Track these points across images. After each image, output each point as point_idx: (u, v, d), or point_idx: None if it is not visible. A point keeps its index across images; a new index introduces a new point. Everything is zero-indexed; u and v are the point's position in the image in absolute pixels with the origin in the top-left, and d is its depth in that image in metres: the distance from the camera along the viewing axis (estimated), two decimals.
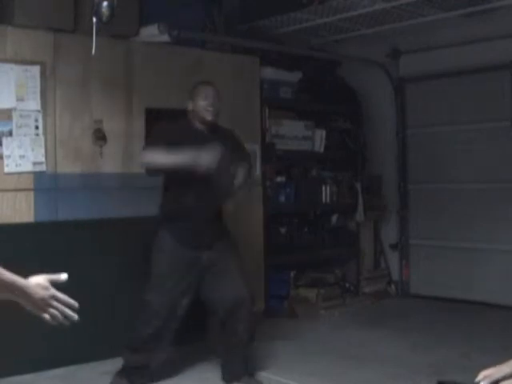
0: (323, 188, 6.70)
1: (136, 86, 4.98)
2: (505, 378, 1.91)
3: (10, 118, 4.41)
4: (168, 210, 4.19)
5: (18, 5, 4.41)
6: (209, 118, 4.22)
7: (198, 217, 4.08)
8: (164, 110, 5.00)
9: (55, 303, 1.79)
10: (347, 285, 6.87)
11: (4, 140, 4.38)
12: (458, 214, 6.65)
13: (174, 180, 4.12)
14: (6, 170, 4.39)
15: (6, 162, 4.38)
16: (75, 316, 1.81)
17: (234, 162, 4.22)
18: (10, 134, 4.41)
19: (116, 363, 4.54)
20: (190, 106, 4.22)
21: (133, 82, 4.98)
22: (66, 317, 1.80)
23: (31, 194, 4.49)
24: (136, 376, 4.17)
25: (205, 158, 3.86)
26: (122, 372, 4.19)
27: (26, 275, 1.86)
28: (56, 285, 1.86)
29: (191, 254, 4.08)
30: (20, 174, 4.45)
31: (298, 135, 6.50)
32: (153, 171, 4.08)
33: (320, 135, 6.71)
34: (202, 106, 4.18)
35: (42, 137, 4.54)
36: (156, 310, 4.10)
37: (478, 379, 1.94)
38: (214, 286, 4.14)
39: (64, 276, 1.87)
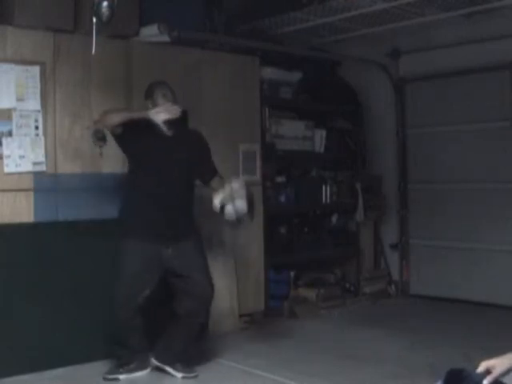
0: (323, 188, 6.70)
1: (136, 86, 4.97)
2: (505, 373, 1.92)
3: (10, 117, 4.41)
4: (130, 207, 4.32)
5: (18, 5, 4.41)
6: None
7: (161, 205, 4.21)
8: None
9: None
10: (347, 285, 6.87)
11: (4, 140, 4.38)
12: (458, 214, 6.65)
13: (137, 171, 4.29)
14: (6, 170, 4.38)
15: (5, 162, 4.38)
16: None
17: (201, 164, 4.41)
18: (10, 134, 4.41)
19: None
20: (149, 107, 4.26)
21: (133, 82, 4.98)
22: None
23: (31, 194, 4.49)
24: (126, 365, 4.37)
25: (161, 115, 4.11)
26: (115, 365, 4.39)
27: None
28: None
29: (153, 248, 4.20)
30: (20, 174, 4.45)
31: (298, 135, 6.50)
32: (115, 126, 4.19)
33: (320, 135, 6.71)
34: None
35: (41, 137, 4.54)
36: (118, 301, 4.27)
37: (479, 370, 1.95)
38: (182, 282, 4.31)
39: None
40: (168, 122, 4.18)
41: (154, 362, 4.43)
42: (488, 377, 1.92)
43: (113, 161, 4.86)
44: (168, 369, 4.38)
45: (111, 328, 4.38)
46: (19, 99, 4.45)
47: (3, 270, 4.27)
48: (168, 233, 4.24)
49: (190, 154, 4.35)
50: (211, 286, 4.38)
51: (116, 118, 4.16)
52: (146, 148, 4.25)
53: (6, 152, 4.39)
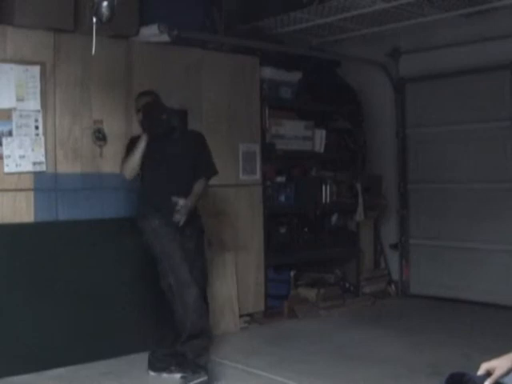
0: (323, 188, 6.69)
1: (136, 86, 4.97)
2: (505, 374, 1.92)
3: (9, 118, 4.41)
4: (151, 200, 4.37)
5: (18, 5, 4.41)
6: None
7: (172, 193, 4.29)
8: None
9: None
10: (347, 285, 6.86)
11: (4, 140, 4.38)
12: (458, 214, 6.65)
13: (147, 170, 4.37)
14: (6, 169, 4.39)
15: (5, 162, 4.38)
16: None
17: (196, 162, 4.47)
18: (10, 134, 4.41)
19: (116, 363, 4.56)
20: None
21: (133, 81, 4.98)
22: None
23: (31, 194, 4.49)
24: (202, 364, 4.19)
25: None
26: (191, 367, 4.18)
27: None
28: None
29: (180, 237, 4.27)
30: (20, 174, 4.45)
31: (298, 135, 6.49)
32: (135, 174, 4.40)
33: (320, 135, 6.70)
34: None
35: (41, 137, 4.54)
36: (185, 286, 4.15)
37: (479, 372, 1.95)
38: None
39: None
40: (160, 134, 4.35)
41: (150, 373, 4.39)
42: (489, 379, 1.92)
43: (113, 161, 4.86)
44: (165, 375, 4.35)
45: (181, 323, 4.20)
46: (19, 99, 4.45)
47: (3, 270, 4.27)
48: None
49: (187, 151, 4.46)
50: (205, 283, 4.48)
51: (130, 170, 4.38)
52: (153, 153, 4.36)
53: (5, 152, 4.39)
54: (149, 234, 4.31)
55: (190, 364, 4.17)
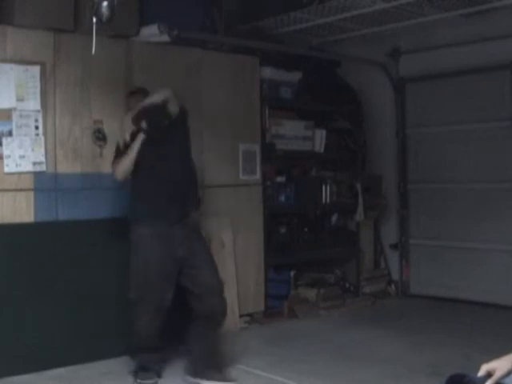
0: (323, 188, 6.69)
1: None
2: (505, 375, 1.92)
3: (9, 118, 4.41)
4: (141, 200, 4.24)
5: (18, 5, 4.41)
6: None
7: (165, 184, 4.18)
8: None
9: None
10: (347, 285, 6.87)
11: (4, 140, 4.38)
12: (458, 214, 6.65)
13: (139, 171, 4.23)
14: (6, 169, 4.39)
15: (5, 162, 4.38)
16: None
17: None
18: (10, 134, 4.41)
19: (116, 363, 4.56)
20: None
21: (133, 82, 4.97)
22: None
23: (31, 194, 4.49)
24: (152, 369, 4.27)
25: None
26: (140, 370, 4.25)
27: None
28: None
29: (168, 233, 4.11)
30: (20, 174, 4.45)
31: (298, 135, 6.49)
32: (127, 175, 4.25)
33: (320, 135, 6.70)
34: None
35: (41, 137, 4.54)
36: (144, 306, 4.13)
37: (480, 373, 1.95)
38: (193, 277, 4.23)
39: None
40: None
41: (189, 379, 4.26)
42: (489, 380, 1.92)
43: None
44: (203, 382, 4.21)
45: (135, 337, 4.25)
46: (19, 99, 4.45)
47: (3, 270, 4.27)
48: (177, 208, 4.20)
49: (180, 139, 4.34)
50: (218, 277, 4.41)
51: (123, 171, 4.23)
52: (148, 155, 4.23)
53: (5, 152, 4.39)
54: (136, 239, 4.17)
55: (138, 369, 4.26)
